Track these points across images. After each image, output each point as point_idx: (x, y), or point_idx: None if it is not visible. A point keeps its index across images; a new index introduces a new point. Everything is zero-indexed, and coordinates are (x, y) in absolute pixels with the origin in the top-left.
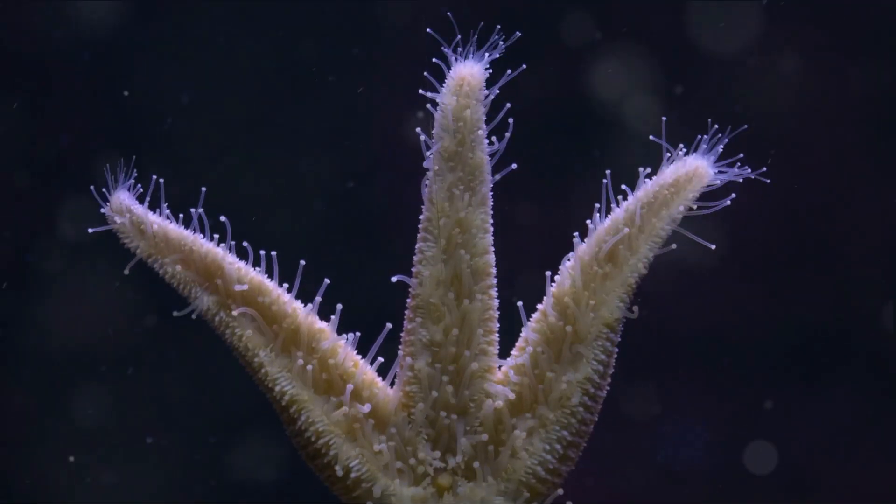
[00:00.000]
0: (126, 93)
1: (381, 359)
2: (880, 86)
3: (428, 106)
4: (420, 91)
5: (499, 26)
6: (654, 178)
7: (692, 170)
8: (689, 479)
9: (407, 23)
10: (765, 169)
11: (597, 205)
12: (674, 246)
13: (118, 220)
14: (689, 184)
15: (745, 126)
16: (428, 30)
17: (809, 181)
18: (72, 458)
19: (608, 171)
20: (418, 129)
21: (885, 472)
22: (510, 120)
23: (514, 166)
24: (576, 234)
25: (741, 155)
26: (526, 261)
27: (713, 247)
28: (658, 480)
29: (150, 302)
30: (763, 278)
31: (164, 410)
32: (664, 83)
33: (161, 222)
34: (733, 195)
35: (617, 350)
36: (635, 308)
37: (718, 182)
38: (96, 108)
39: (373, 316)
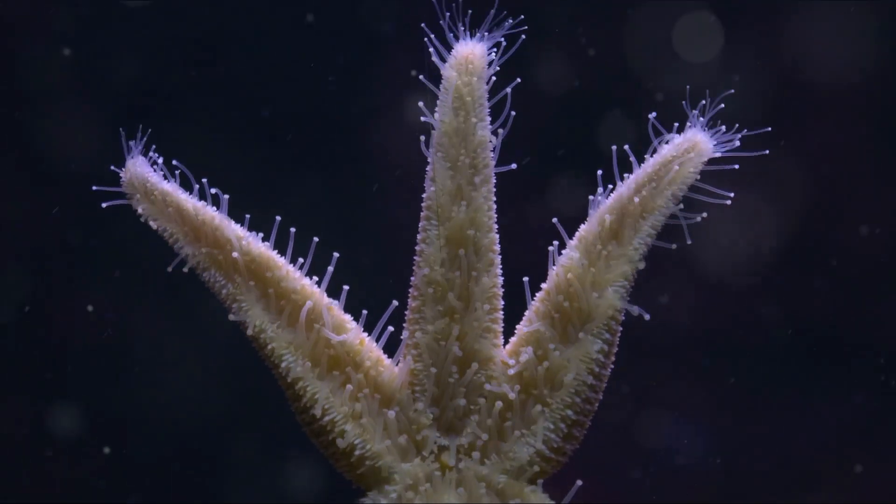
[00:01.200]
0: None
1: (390, 328)
2: (881, 85)
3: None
4: (421, 77)
5: (504, 12)
6: (654, 156)
7: (691, 144)
8: (689, 479)
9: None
10: (766, 152)
11: (598, 193)
12: (673, 246)
13: (134, 190)
14: (689, 158)
15: (732, 90)
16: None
17: (809, 181)
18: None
19: (613, 147)
20: (420, 104)
21: (885, 472)
22: (512, 113)
23: (513, 166)
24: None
25: (743, 130)
26: (529, 243)
27: (673, 246)
28: (658, 480)
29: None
30: (763, 278)
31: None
32: (664, 83)
33: (174, 191)
34: (732, 195)
35: (621, 329)
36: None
37: (718, 154)
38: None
39: (376, 298)
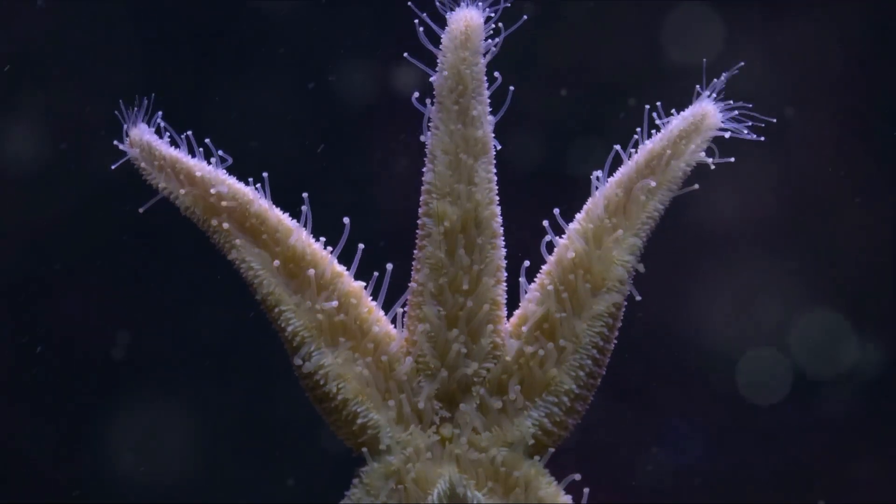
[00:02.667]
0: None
1: (401, 311)
2: (882, 84)
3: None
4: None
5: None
6: (662, 130)
7: (699, 115)
8: (689, 479)
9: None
10: (774, 120)
11: (600, 176)
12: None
13: (137, 154)
14: (697, 130)
15: (742, 63)
16: None
17: (809, 180)
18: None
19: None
20: (428, 70)
21: (885, 472)
22: (510, 88)
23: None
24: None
25: (749, 105)
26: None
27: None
28: (658, 480)
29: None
30: (763, 278)
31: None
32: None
33: (183, 156)
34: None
35: (626, 304)
36: (641, 265)
37: (724, 125)
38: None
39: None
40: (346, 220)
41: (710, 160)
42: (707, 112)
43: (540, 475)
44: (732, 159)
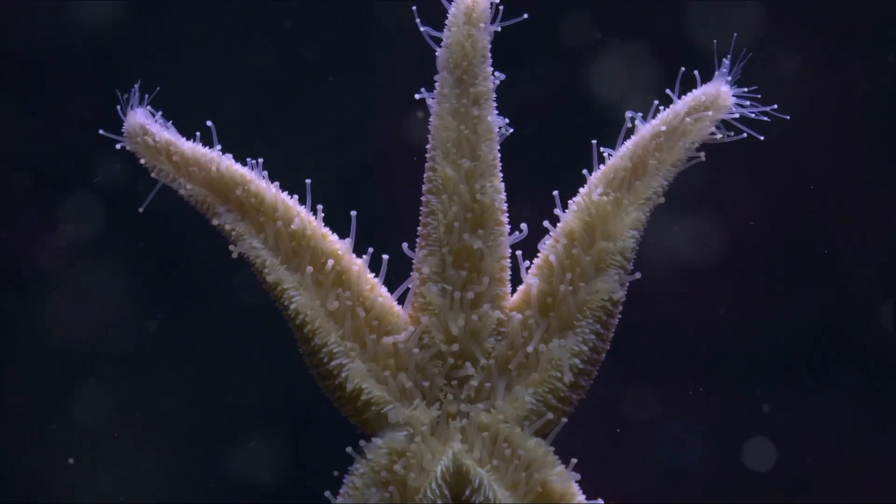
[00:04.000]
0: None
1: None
2: (882, 84)
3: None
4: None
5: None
6: (672, 105)
7: (712, 93)
8: (689, 479)
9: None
10: (787, 117)
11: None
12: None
13: (136, 141)
14: (708, 109)
15: (752, 54)
16: None
17: (809, 180)
18: (71, 461)
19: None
20: (427, 29)
21: (885, 472)
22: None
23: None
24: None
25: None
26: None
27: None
28: (658, 480)
29: (151, 300)
30: (763, 278)
31: (163, 410)
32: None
33: (177, 140)
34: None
35: (630, 278)
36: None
37: (735, 106)
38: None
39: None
40: (353, 213)
41: (719, 136)
42: (720, 92)
43: (544, 453)
44: (744, 134)
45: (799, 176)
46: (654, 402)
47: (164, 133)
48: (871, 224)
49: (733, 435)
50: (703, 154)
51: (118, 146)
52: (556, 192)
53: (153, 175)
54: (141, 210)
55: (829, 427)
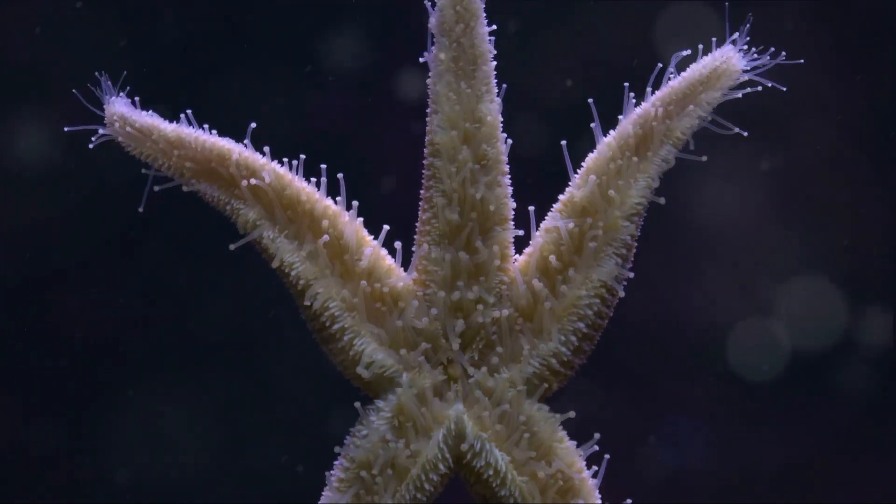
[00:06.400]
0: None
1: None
2: (881, 84)
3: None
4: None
5: None
6: (682, 73)
7: (722, 58)
8: (689, 480)
9: None
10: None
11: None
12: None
13: (117, 128)
14: (719, 75)
15: (776, 51)
16: None
17: (809, 180)
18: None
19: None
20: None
21: (885, 472)
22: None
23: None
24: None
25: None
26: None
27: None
28: (658, 480)
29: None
30: (763, 277)
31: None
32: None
33: (160, 123)
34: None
35: (636, 244)
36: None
37: (746, 68)
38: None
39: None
40: (356, 203)
41: (739, 93)
42: (730, 56)
43: (545, 419)
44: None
45: (799, 173)
46: (655, 403)
47: (146, 118)
48: (872, 222)
49: (733, 435)
50: (703, 156)
51: (100, 131)
52: (563, 142)
53: (145, 161)
54: (140, 209)
55: (829, 427)
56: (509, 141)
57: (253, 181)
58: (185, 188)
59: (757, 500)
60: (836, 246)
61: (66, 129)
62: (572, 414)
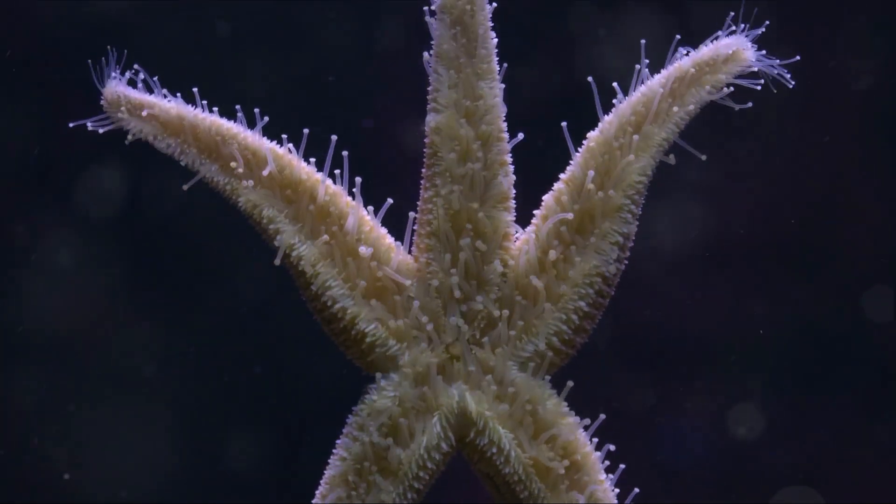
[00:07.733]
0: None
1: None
2: (880, 83)
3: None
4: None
5: None
6: (690, 55)
7: (732, 45)
8: (689, 479)
9: None
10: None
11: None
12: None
13: (117, 111)
14: (727, 60)
15: (767, 23)
16: None
17: (809, 180)
18: (66, 476)
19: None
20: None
21: (885, 472)
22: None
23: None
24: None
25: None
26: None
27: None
28: (658, 480)
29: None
30: (763, 278)
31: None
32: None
33: (160, 101)
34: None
35: (636, 225)
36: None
37: (754, 61)
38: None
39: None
40: (358, 179)
41: (754, 83)
42: (741, 45)
43: (549, 396)
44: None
45: (798, 174)
46: (655, 402)
47: (145, 96)
48: (871, 222)
49: (733, 435)
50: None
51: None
52: (563, 124)
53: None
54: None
55: (829, 427)
56: (520, 135)
57: (253, 161)
58: (183, 163)
59: (757, 500)
60: (836, 246)
61: (70, 124)
62: (570, 384)
